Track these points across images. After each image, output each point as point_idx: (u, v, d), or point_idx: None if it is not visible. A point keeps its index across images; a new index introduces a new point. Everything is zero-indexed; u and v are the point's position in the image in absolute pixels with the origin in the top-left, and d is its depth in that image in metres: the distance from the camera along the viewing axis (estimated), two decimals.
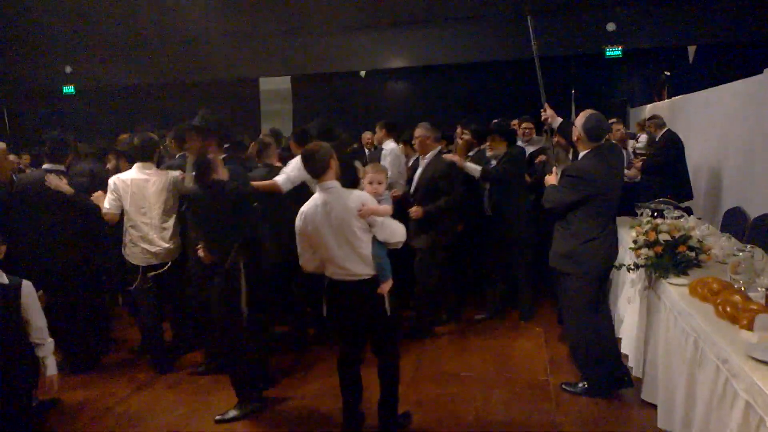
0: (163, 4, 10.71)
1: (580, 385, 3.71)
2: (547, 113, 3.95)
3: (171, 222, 4.16)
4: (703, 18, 9.89)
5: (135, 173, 4.11)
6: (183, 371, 4.33)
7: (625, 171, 7.06)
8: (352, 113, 11.61)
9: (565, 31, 10.73)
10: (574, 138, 3.60)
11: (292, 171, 4.14)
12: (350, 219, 2.93)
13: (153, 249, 4.08)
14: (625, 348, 4.03)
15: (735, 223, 5.06)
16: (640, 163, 6.58)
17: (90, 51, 11.64)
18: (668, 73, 10.62)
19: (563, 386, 3.78)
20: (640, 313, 3.68)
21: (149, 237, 4.07)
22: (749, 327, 2.36)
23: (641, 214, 4.31)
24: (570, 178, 3.48)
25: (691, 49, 10.65)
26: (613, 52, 10.85)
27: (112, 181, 4.11)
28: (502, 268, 5.12)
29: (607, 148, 3.60)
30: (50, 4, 10.60)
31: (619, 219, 5.13)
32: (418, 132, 4.74)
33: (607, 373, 3.60)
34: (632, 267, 3.66)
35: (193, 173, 3.51)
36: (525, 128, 5.83)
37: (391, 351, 3.23)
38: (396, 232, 3.05)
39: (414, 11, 10.57)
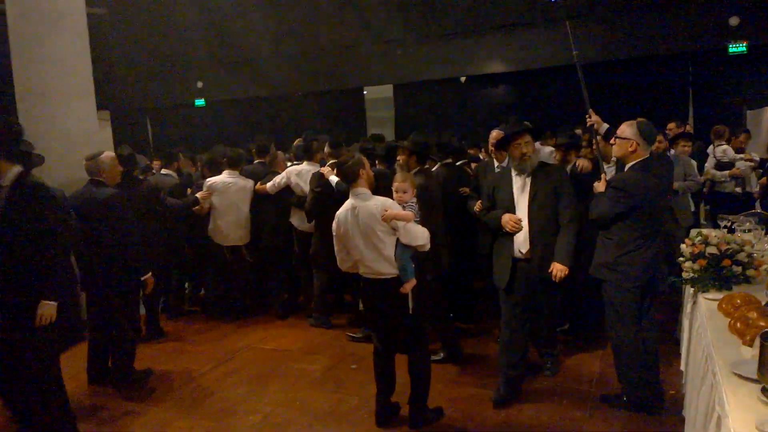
0: (277, 23, 11.82)
1: (620, 398, 3.63)
2: (593, 119, 3.88)
3: None
4: None
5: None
6: None
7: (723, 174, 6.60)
8: (452, 119, 11.76)
9: (684, 27, 10.04)
10: (630, 149, 3.46)
11: (277, 178, 5.43)
12: (374, 223, 3.21)
13: None
14: (682, 364, 3.89)
15: None
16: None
17: (217, 67, 13.02)
18: None
19: (602, 397, 3.73)
20: (687, 328, 3.54)
21: None
22: (750, 343, 2.28)
23: (723, 227, 4.09)
24: (614, 191, 3.45)
25: None
26: (737, 48, 9.96)
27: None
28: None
29: (656, 158, 3.51)
30: (185, 27, 12.07)
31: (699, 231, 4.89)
32: None
33: (647, 388, 3.50)
34: (681, 281, 3.54)
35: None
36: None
37: (416, 349, 3.43)
38: (418, 236, 3.26)
39: (512, 15, 10.53)
